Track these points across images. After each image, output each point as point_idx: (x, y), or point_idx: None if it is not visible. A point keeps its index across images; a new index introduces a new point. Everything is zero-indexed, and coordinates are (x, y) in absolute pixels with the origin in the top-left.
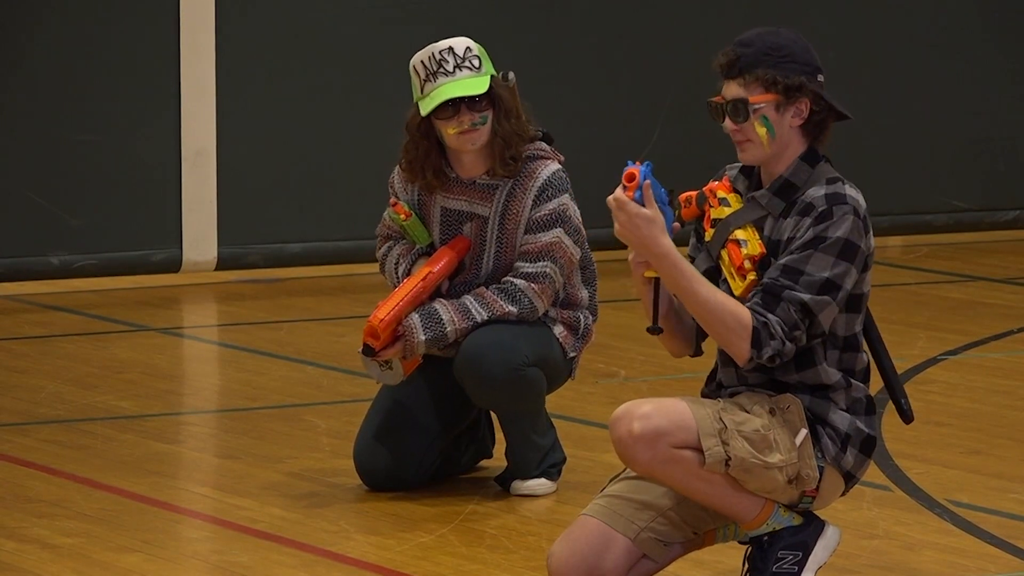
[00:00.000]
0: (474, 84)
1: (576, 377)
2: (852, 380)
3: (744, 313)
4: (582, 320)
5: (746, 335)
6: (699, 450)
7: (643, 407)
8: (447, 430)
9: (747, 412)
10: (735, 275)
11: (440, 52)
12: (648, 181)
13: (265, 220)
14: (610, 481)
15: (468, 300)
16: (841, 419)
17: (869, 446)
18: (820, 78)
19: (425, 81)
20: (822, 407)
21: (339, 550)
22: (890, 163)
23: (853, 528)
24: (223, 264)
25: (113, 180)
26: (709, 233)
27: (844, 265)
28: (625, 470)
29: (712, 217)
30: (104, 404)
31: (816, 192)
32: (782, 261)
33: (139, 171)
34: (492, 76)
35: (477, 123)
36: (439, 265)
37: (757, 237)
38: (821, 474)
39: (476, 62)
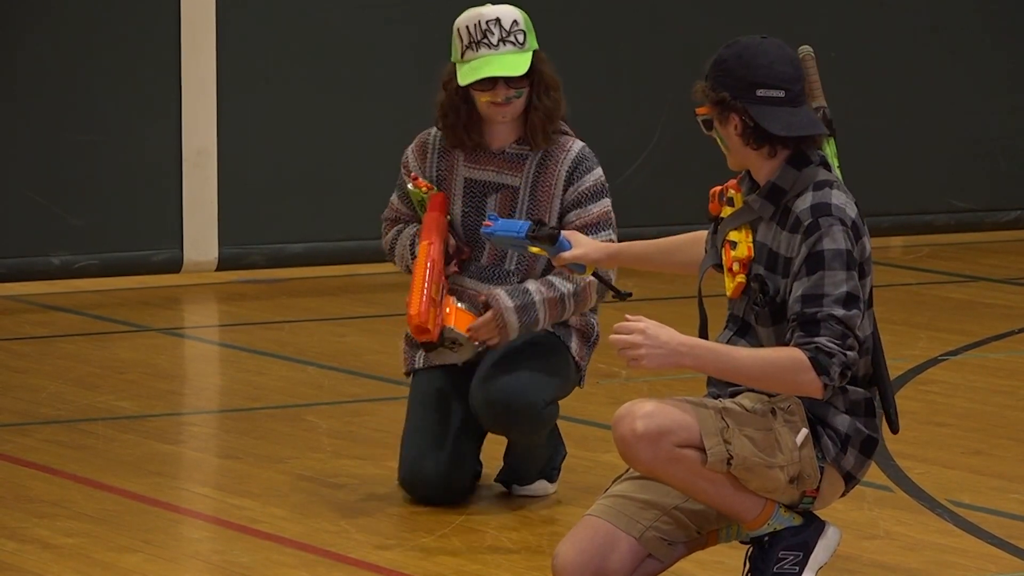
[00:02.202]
0: (515, 62)
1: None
2: (847, 386)
3: (793, 351)
4: (594, 326)
5: (808, 368)
6: (701, 449)
7: (645, 406)
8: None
9: (749, 411)
10: (726, 274)
11: (487, 22)
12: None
13: (266, 220)
14: (614, 481)
15: (536, 282)
16: (841, 420)
17: (870, 447)
18: (759, 93)
19: (467, 48)
20: (821, 408)
21: (340, 550)
22: (891, 163)
23: (854, 528)
24: (224, 264)
25: (114, 180)
26: None
27: (852, 274)
28: (628, 470)
29: (721, 215)
30: (105, 404)
31: (803, 204)
32: (798, 293)
33: (140, 171)
34: (535, 51)
35: (512, 97)
36: (432, 233)
37: (749, 240)
38: (821, 474)
39: (521, 37)
